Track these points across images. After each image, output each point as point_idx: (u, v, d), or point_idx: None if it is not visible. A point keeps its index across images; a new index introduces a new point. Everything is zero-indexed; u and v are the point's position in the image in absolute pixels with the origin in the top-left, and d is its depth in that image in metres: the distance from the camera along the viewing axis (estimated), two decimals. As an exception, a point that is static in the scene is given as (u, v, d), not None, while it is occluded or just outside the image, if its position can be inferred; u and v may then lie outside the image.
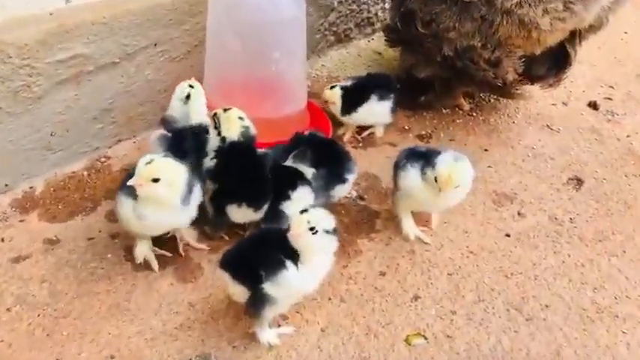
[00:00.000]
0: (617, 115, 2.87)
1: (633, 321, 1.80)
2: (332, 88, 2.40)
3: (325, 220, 1.54)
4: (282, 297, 1.53)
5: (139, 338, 1.60)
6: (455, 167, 1.82)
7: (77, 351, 1.56)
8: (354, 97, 2.39)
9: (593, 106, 2.92)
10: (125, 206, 1.66)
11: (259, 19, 2.02)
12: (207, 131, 1.87)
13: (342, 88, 2.40)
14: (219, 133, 1.80)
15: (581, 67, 3.19)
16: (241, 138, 1.81)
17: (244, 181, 1.76)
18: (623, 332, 1.76)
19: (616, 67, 3.34)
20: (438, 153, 1.86)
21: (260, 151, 1.87)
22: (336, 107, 2.39)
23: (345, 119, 2.43)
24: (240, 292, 1.54)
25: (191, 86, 1.88)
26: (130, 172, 1.66)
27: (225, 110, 1.83)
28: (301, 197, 1.83)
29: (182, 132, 1.84)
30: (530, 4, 2.12)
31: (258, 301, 1.52)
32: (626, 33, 3.74)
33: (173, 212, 1.65)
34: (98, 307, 1.68)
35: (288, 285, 1.51)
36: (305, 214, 1.53)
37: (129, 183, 1.58)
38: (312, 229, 1.49)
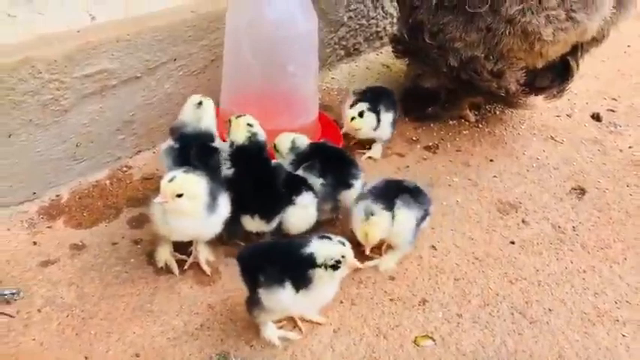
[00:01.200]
0: (620, 126, 2.95)
1: (633, 325, 1.87)
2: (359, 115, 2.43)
3: (331, 251, 1.57)
4: (275, 309, 1.61)
5: (162, 338, 1.70)
6: None
7: (104, 349, 1.65)
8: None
9: (597, 117, 3.00)
10: (157, 212, 1.76)
11: (276, 34, 2.12)
12: (212, 139, 1.97)
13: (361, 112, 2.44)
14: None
15: (584, 80, 3.27)
16: (247, 143, 1.91)
17: (258, 194, 1.86)
18: (623, 335, 1.84)
19: (619, 80, 3.41)
20: None
21: (274, 162, 1.96)
22: (362, 132, 2.45)
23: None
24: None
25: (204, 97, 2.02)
26: None
27: (237, 117, 1.93)
28: (305, 203, 1.92)
29: (187, 139, 1.93)
30: (533, 12, 2.18)
31: (252, 303, 1.62)
32: (629, 46, 3.81)
33: (198, 222, 1.75)
34: (123, 308, 1.77)
35: (281, 303, 1.58)
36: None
37: (155, 201, 1.69)
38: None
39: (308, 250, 1.56)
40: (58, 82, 1.99)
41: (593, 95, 3.21)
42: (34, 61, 1.91)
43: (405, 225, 1.92)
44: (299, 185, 1.94)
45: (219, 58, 2.34)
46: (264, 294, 1.57)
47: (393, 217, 1.89)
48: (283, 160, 2.06)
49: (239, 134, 1.90)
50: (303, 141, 2.09)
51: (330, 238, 1.59)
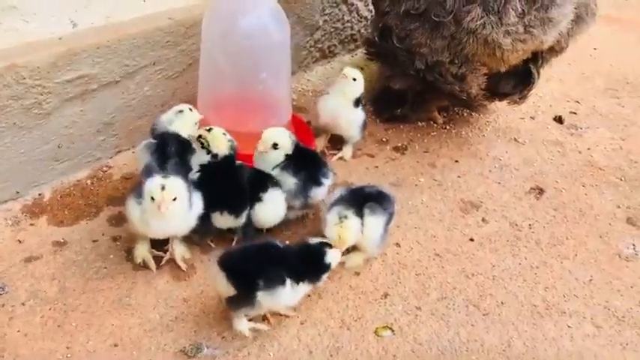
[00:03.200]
0: (581, 128, 3.10)
1: (579, 317, 2.02)
2: None
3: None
4: (272, 307, 1.79)
5: (138, 329, 1.81)
6: None
7: (85, 340, 1.76)
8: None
9: (559, 120, 3.15)
10: (134, 211, 1.87)
11: (249, 44, 2.23)
12: (189, 143, 2.09)
13: None
14: (208, 152, 2.01)
15: (550, 83, 3.42)
16: (231, 151, 2.03)
17: (225, 191, 1.99)
18: (569, 327, 1.98)
19: (583, 83, 3.57)
20: None
21: (237, 163, 2.07)
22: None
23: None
24: (226, 291, 1.74)
25: (190, 109, 2.17)
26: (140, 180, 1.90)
27: (208, 130, 2.03)
28: (273, 199, 2.05)
29: (164, 136, 2.07)
30: (492, 26, 2.31)
31: (244, 302, 1.74)
32: (595, 49, 3.96)
33: (179, 220, 1.88)
34: (102, 301, 1.88)
35: (281, 301, 1.77)
36: None
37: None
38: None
39: (327, 259, 1.85)
40: (41, 87, 2.08)
41: (557, 98, 3.36)
42: (19, 67, 2.00)
43: (374, 231, 2.05)
44: (265, 182, 2.07)
45: (196, 62, 2.45)
46: (263, 295, 1.72)
47: (362, 224, 2.02)
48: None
49: (222, 147, 2.01)
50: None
51: (329, 245, 1.88)
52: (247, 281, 1.72)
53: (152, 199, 1.78)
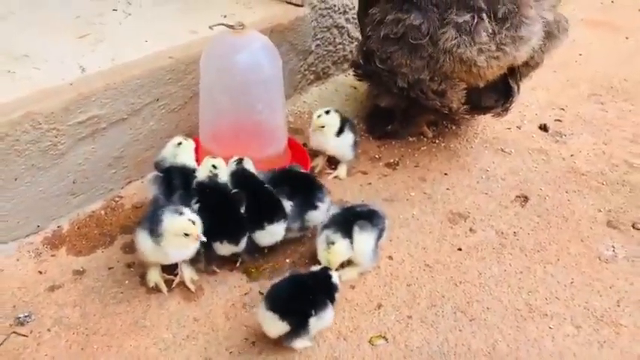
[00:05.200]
0: (565, 135, 3.25)
1: (559, 318, 2.18)
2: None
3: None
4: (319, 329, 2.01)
5: (154, 348, 1.99)
6: None
7: (106, 361, 1.96)
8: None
9: (544, 128, 3.29)
10: (144, 241, 2.07)
11: (245, 79, 2.43)
12: (193, 171, 2.30)
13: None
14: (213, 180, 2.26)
15: (536, 92, 3.58)
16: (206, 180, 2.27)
17: (222, 221, 2.18)
18: (550, 328, 2.14)
19: (568, 89, 3.71)
20: None
21: (234, 191, 2.25)
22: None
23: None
24: (281, 329, 1.93)
25: (185, 139, 2.39)
26: (149, 214, 2.12)
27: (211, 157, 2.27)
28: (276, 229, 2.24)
29: (170, 170, 2.29)
30: (466, 45, 2.46)
31: (297, 333, 1.95)
32: (580, 55, 4.10)
33: (192, 247, 2.08)
34: (120, 324, 2.07)
35: (327, 323, 2.01)
36: None
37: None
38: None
39: (333, 280, 2.07)
40: (56, 130, 2.28)
41: (542, 106, 3.51)
42: (35, 114, 2.20)
43: (365, 248, 2.23)
44: (271, 212, 2.24)
45: (196, 95, 2.63)
46: (315, 321, 1.95)
47: (352, 243, 2.21)
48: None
49: (202, 172, 2.26)
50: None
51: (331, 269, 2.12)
52: (298, 315, 1.94)
53: (186, 234, 2.02)
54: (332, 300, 2.02)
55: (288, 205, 2.29)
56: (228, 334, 2.04)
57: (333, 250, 2.17)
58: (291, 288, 2.00)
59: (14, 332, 2.01)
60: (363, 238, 2.22)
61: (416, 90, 2.67)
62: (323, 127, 2.68)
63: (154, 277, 2.18)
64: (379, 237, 2.30)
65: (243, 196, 2.22)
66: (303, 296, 1.96)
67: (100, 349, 1.98)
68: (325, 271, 2.09)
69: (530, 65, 2.76)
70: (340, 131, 2.73)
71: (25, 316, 2.06)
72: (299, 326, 1.94)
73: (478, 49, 2.47)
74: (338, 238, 2.19)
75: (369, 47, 2.72)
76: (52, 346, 1.98)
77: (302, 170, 2.52)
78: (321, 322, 1.98)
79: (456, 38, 2.45)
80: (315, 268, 2.13)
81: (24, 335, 2.01)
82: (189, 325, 2.08)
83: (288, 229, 2.30)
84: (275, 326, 1.93)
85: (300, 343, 1.98)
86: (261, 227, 2.21)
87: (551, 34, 2.67)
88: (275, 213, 2.23)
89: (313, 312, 1.94)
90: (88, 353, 1.97)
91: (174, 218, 2.03)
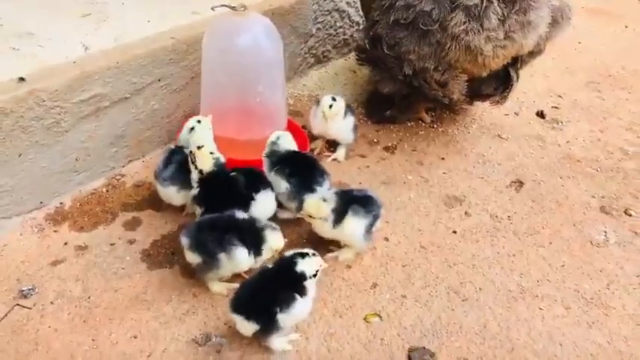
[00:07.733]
0: (562, 122, 3.29)
1: (550, 300, 2.23)
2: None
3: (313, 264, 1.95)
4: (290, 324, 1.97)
5: (155, 322, 2.04)
6: None
7: (108, 333, 2.00)
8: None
9: (541, 115, 3.34)
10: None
11: (246, 60, 2.46)
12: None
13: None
14: (195, 167, 2.25)
15: (534, 79, 3.62)
16: (215, 168, 2.26)
17: (223, 202, 2.19)
18: (540, 309, 2.20)
19: (566, 77, 3.75)
20: None
21: (231, 174, 2.28)
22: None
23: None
24: (250, 329, 1.91)
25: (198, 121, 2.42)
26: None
27: (198, 148, 2.25)
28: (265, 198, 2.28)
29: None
30: (475, 33, 2.49)
31: (269, 330, 1.92)
32: (580, 43, 4.14)
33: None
34: (122, 299, 2.12)
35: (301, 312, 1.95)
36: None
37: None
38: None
39: (299, 268, 1.93)
40: (59, 107, 2.31)
41: (540, 93, 3.55)
42: (39, 91, 2.23)
43: (355, 232, 2.24)
44: (257, 184, 2.29)
45: (198, 76, 2.66)
46: (285, 317, 1.91)
47: (342, 224, 2.23)
48: None
49: (207, 164, 2.25)
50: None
51: (308, 255, 1.97)
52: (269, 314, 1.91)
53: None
54: (299, 291, 1.92)
55: (284, 187, 2.35)
56: (226, 311, 2.08)
57: (318, 203, 2.22)
58: (254, 288, 1.96)
59: (18, 304, 2.06)
60: (354, 222, 2.24)
61: (419, 79, 2.70)
62: (331, 106, 2.71)
63: (218, 288, 2.16)
64: (373, 222, 2.30)
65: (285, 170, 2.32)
66: (267, 294, 1.91)
67: (102, 321, 2.03)
68: (289, 261, 1.96)
69: (533, 52, 2.78)
70: (343, 114, 2.76)
71: (29, 289, 2.11)
72: (268, 325, 1.91)
73: (486, 36, 2.49)
74: (329, 197, 2.22)
75: (376, 32, 2.73)
76: (55, 318, 2.04)
77: (304, 153, 2.55)
78: (292, 316, 1.92)
79: (464, 23, 2.47)
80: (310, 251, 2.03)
81: (27, 307, 2.06)
82: (189, 300, 2.13)
83: (285, 208, 2.36)
84: (244, 327, 1.92)
85: (278, 344, 1.96)
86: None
87: (556, 21, 2.70)
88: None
89: (278, 309, 1.88)
90: (90, 325, 2.02)
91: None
